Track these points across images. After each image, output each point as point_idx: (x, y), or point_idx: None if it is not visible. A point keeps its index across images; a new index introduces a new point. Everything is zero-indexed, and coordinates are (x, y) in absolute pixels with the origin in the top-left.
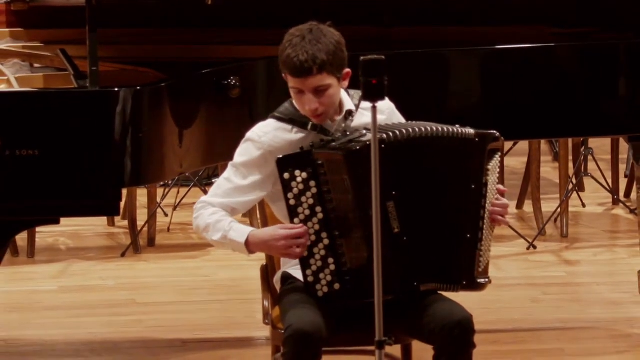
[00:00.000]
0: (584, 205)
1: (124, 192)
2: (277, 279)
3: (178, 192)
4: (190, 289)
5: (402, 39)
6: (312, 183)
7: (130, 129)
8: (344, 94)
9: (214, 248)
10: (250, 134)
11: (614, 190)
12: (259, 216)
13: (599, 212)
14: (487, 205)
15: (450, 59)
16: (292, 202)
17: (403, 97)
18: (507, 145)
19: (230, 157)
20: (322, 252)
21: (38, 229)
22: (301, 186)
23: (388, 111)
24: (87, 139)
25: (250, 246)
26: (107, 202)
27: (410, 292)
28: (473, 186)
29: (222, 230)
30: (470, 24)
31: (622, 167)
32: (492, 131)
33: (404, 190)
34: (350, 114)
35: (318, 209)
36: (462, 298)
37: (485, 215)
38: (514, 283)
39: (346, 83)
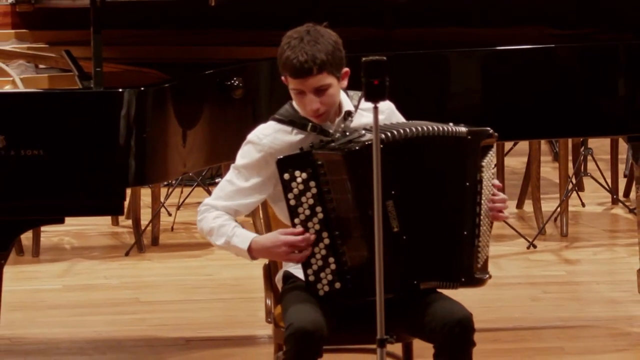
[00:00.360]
0: (583, 205)
1: (128, 191)
2: (279, 278)
3: (181, 192)
4: (194, 288)
5: (403, 40)
6: (312, 183)
7: (134, 129)
8: (343, 95)
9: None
10: (250, 136)
11: (613, 190)
12: (261, 216)
13: (598, 212)
14: (483, 201)
15: (451, 60)
16: (292, 202)
17: (404, 97)
18: (508, 145)
19: (233, 157)
20: (323, 252)
21: (43, 229)
22: (301, 186)
23: (387, 111)
24: (92, 139)
25: (252, 252)
26: (111, 202)
27: (410, 290)
28: (467, 183)
29: (225, 236)
30: (470, 25)
31: (622, 167)
32: (485, 128)
33: (403, 189)
34: (349, 114)
35: (318, 209)
36: (463, 297)
37: (482, 212)
38: (514, 282)
39: (345, 82)
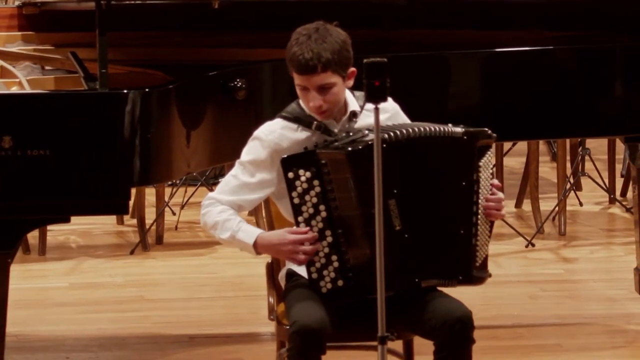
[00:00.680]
0: (581, 204)
1: (133, 191)
2: (281, 276)
3: (185, 191)
4: (197, 286)
5: (403, 42)
6: (316, 182)
7: (139, 130)
8: (349, 94)
9: (220, 246)
10: (257, 132)
11: (610, 190)
12: (264, 214)
13: (595, 211)
14: (480, 201)
15: (451, 61)
16: (296, 200)
17: (405, 98)
18: (507, 145)
19: (236, 157)
20: (326, 250)
21: (49, 227)
22: (305, 185)
23: (392, 112)
24: (97, 140)
25: (258, 248)
26: (116, 201)
27: (411, 288)
28: (464, 183)
29: (230, 230)
30: (470, 27)
31: (619, 167)
32: (482, 129)
33: (404, 188)
34: (354, 115)
35: (321, 207)
36: (462, 295)
37: (479, 211)
38: (513, 280)
39: (351, 82)
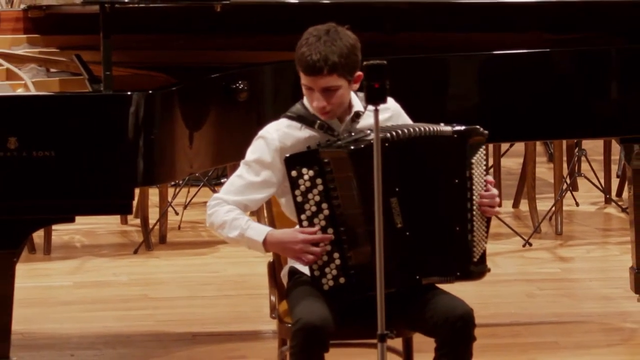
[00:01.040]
0: (577, 204)
1: (137, 191)
2: (284, 273)
3: (188, 192)
4: (200, 285)
5: (405, 45)
6: (319, 180)
7: (143, 131)
8: (353, 95)
9: (223, 245)
10: (262, 131)
11: (606, 190)
12: (265, 215)
13: (591, 211)
14: (474, 197)
15: (450, 63)
16: (299, 199)
17: (405, 100)
18: (504, 146)
19: (238, 158)
20: (328, 247)
21: (54, 227)
22: (308, 183)
23: (394, 112)
24: (101, 141)
25: (267, 245)
26: (120, 201)
27: (412, 285)
28: (457, 180)
29: (239, 228)
30: (470, 30)
31: (614, 168)
32: (473, 126)
33: (405, 186)
34: (358, 115)
35: (324, 205)
36: (461, 293)
37: (474, 207)
38: (511, 279)
39: (357, 85)
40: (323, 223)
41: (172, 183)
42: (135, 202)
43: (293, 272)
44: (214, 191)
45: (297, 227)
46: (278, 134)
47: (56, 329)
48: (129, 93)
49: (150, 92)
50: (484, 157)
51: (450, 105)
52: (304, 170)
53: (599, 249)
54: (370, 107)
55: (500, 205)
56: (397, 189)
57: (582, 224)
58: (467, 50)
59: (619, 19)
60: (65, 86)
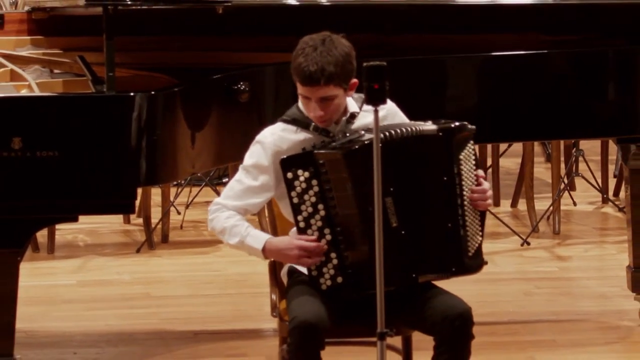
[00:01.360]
0: (575, 204)
1: (139, 191)
2: (284, 273)
3: (190, 191)
4: (202, 283)
5: (404, 46)
6: (314, 182)
7: (145, 132)
8: (348, 98)
9: (224, 244)
10: (258, 137)
11: (603, 190)
12: (267, 215)
13: (589, 211)
14: (465, 192)
15: (449, 65)
16: (295, 200)
17: (404, 101)
18: (502, 146)
19: (240, 158)
20: (325, 247)
21: (57, 226)
22: (304, 185)
23: (389, 112)
24: (104, 141)
25: (266, 252)
26: (123, 201)
27: (410, 284)
28: (445, 178)
29: (239, 235)
30: (468, 31)
31: (611, 168)
32: (460, 123)
33: (399, 186)
34: (353, 116)
35: (320, 206)
36: (459, 292)
37: (465, 202)
38: (509, 277)
39: (352, 92)
40: (319, 224)
41: (174, 183)
42: (137, 202)
43: (292, 271)
44: (216, 191)
45: (294, 229)
46: (274, 138)
47: (59, 327)
48: (131, 94)
49: (152, 93)
50: (473, 152)
51: (450, 106)
52: (300, 172)
53: (596, 248)
54: (366, 108)
55: (498, 204)
56: (391, 189)
57: (580, 223)
58: (466, 52)
59: (617, 21)
60: (69, 87)
